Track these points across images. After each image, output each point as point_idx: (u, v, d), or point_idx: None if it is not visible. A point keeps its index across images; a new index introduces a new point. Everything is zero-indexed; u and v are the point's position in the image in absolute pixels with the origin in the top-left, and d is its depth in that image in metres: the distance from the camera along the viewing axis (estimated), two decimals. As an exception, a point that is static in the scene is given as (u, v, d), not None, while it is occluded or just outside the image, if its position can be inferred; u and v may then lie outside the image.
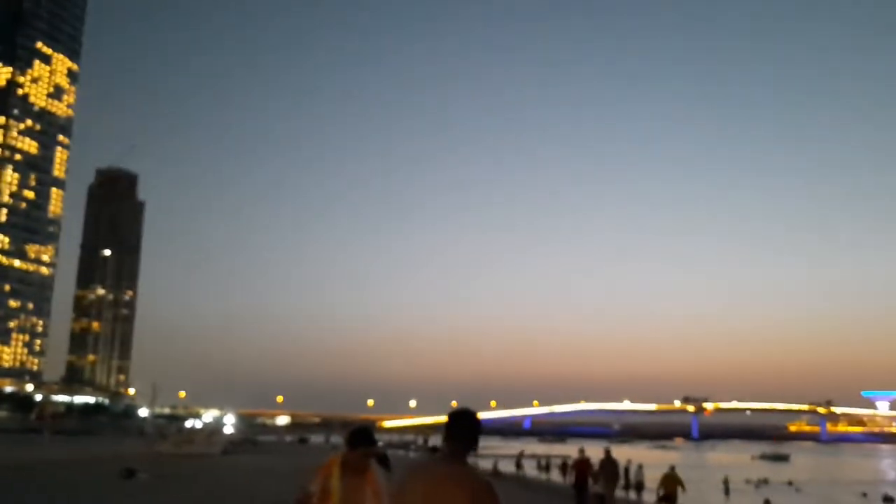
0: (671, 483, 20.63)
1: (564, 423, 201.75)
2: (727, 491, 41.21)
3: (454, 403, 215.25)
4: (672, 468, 21.86)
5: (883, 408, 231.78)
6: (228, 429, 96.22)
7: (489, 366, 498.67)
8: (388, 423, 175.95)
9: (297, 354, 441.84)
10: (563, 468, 41.26)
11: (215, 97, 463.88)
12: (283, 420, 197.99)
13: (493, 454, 62.49)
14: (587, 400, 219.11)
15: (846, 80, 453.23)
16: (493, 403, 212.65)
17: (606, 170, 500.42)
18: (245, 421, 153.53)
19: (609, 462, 20.11)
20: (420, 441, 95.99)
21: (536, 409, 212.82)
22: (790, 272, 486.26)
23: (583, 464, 21.18)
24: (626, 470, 32.08)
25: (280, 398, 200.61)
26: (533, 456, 62.61)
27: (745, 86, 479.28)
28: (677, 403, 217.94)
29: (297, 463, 37.65)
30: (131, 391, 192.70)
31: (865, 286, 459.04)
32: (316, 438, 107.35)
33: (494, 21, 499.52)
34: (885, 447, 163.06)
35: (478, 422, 3.75)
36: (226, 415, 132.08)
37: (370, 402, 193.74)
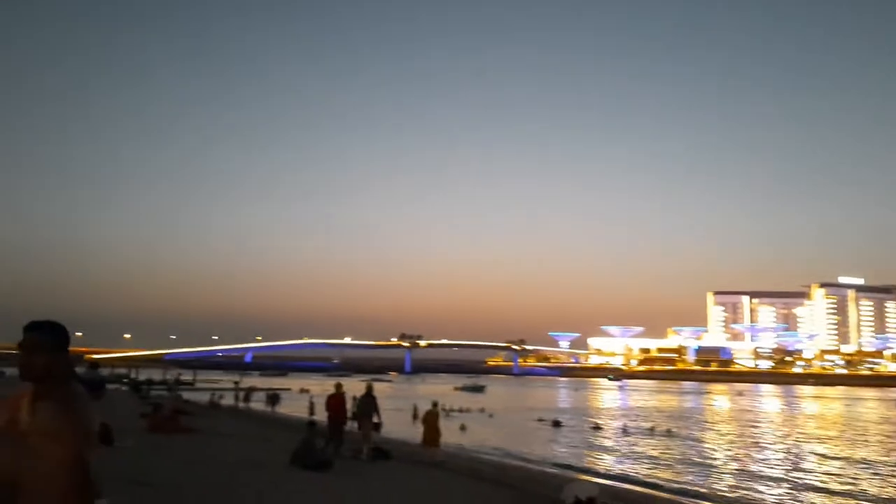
0: (433, 421, 20.18)
1: (286, 358, 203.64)
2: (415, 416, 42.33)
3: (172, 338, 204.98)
4: (434, 404, 21.31)
5: (564, 346, 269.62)
6: None
7: (213, 301, 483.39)
8: (99, 356, 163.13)
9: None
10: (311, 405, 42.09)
11: None
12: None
13: (212, 388, 62.23)
14: (310, 336, 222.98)
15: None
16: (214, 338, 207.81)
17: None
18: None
19: (368, 398, 19.12)
20: (132, 374, 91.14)
21: (259, 344, 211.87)
22: (493, 225, 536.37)
23: (337, 400, 19.17)
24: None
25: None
26: (255, 389, 63.49)
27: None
28: (394, 340, 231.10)
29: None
30: None
31: (543, 239, 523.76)
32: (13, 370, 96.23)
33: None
34: (563, 379, 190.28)
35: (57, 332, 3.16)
36: None
37: (79, 333, 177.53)
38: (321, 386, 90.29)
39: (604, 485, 21.42)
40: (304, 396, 60.14)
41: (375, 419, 19.23)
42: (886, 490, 25.50)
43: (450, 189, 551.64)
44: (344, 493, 12.94)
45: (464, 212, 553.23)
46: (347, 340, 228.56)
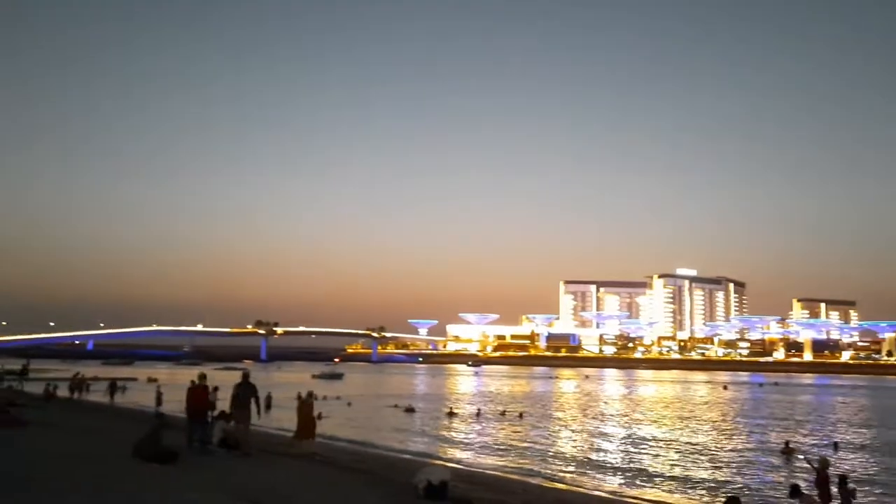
0: (308, 411, 19.33)
1: (132, 346, 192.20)
2: (269, 406, 41.42)
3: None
4: (309, 394, 20.27)
5: (423, 333, 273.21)
6: None
7: (49, 285, 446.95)
8: None
9: None
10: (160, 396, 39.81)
11: None
12: None
13: (46, 377, 57.56)
14: (160, 323, 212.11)
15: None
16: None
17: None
18: None
19: (246, 386, 17.61)
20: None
21: (101, 331, 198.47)
22: (354, 214, 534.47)
23: (199, 391, 17.64)
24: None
25: None
26: (96, 379, 59.57)
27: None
28: (249, 327, 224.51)
29: None
30: None
31: (403, 228, 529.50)
32: None
33: None
34: (422, 366, 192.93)
35: None
36: None
37: None
38: (171, 375, 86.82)
39: (456, 469, 22.01)
40: (152, 386, 57.23)
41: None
42: (708, 460, 28.03)
43: (310, 176, 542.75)
44: (189, 485, 12.42)
45: (325, 199, 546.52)
46: (199, 328, 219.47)
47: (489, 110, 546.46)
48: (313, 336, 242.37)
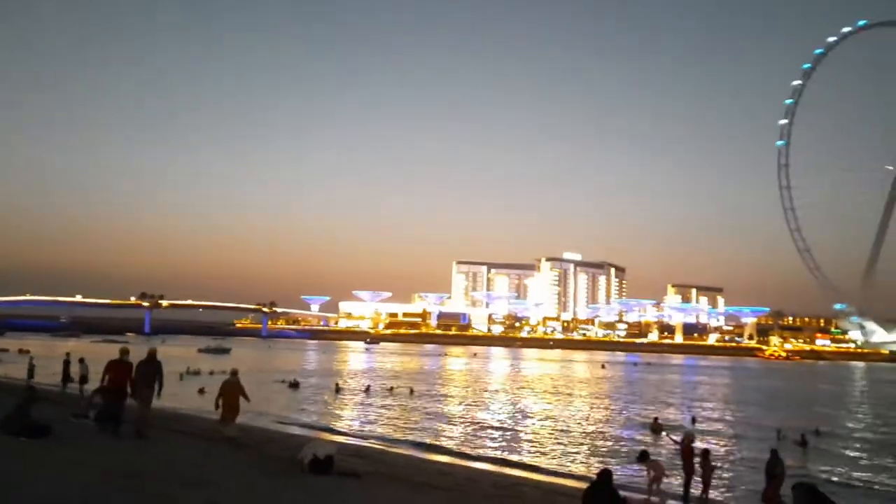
0: (233, 392, 17.64)
1: (2, 315, 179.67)
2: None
3: None
4: (234, 373, 18.46)
5: (315, 309, 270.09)
6: None
7: None
8: None
9: None
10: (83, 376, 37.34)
11: None
12: None
13: None
14: (34, 293, 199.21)
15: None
16: None
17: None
18: None
19: (151, 364, 16.16)
20: None
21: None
22: (247, 187, 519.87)
23: (122, 367, 15.98)
24: (67, 363, 31.52)
25: None
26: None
27: None
28: (133, 299, 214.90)
29: None
30: None
31: (297, 203, 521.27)
32: None
33: None
34: (313, 342, 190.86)
35: None
36: None
37: None
38: (46, 347, 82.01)
39: (343, 443, 22.32)
40: (24, 358, 54.05)
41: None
42: (584, 435, 29.70)
43: (200, 145, 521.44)
44: (59, 461, 12.07)
45: (216, 170, 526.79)
46: (78, 298, 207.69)
47: (389, 92, 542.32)
48: (201, 310, 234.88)
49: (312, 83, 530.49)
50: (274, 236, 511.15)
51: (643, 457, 17.37)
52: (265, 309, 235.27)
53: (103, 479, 10.66)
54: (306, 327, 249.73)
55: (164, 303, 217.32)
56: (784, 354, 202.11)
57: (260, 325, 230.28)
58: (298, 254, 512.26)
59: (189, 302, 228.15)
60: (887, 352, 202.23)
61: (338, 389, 47.41)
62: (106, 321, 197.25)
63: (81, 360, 29.82)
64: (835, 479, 21.58)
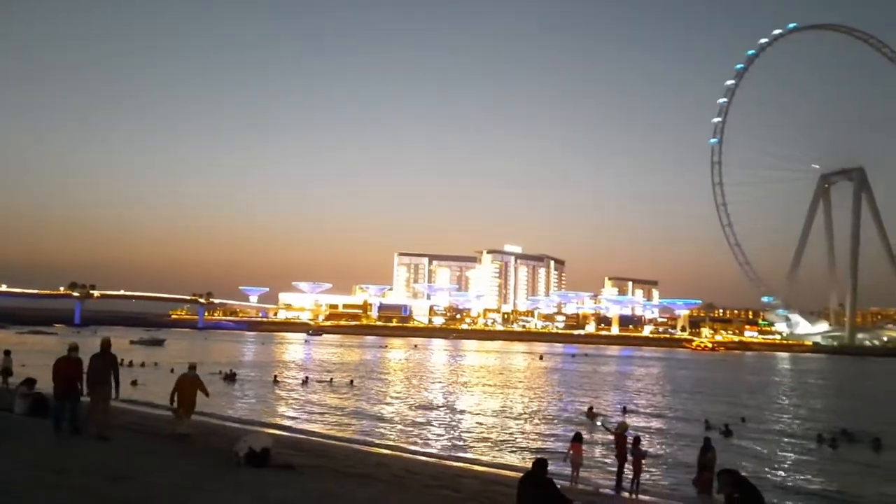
0: (190, 387, 16.88)
1: None
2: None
3: None
4: (192, 367, 17.69)
5: (254, 301, 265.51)
6: None
7: None
8: None
9: None
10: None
11: None
12: None
13: None
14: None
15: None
16: None
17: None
18: None
19: (105, 358, 14.98)
20: None
21: None
22: (184, 177, 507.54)
23: (72, 365, 14.80)
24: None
25: None
26: None
27: None
28: (63, 289, 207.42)
29: None
30: None
31: (235, 195, 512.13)
32: None
33: None
34: (251, 334, 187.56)
35: None
36: None
37: None
38: None
39: (280, 436, 22.08)
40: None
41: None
42: (521, 425, 30.15)
43: (135, 134, 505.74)
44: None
45: (152, 159, 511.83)
46: (4, 288, 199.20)
47: (331, 83, 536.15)
48: (134, 301, 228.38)
49: (254, 73, 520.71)
50: (212, 226, 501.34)
51: (576, 438, 18.00)
52: (201, 300, 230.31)
53: (31, 474, 10.33)
54: (244, 319, 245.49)
55: (96, 293, 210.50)
56: (710, 346, 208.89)
57: (196, 317, 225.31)
58: (237, 244, 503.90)
59: (122, 292, 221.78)
60: (810, 343, 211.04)
61: (275, 381, 46.85)
62: (33, 312, 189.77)
63: (7, 353, 28.62)
64: (754, 466, 22.47)
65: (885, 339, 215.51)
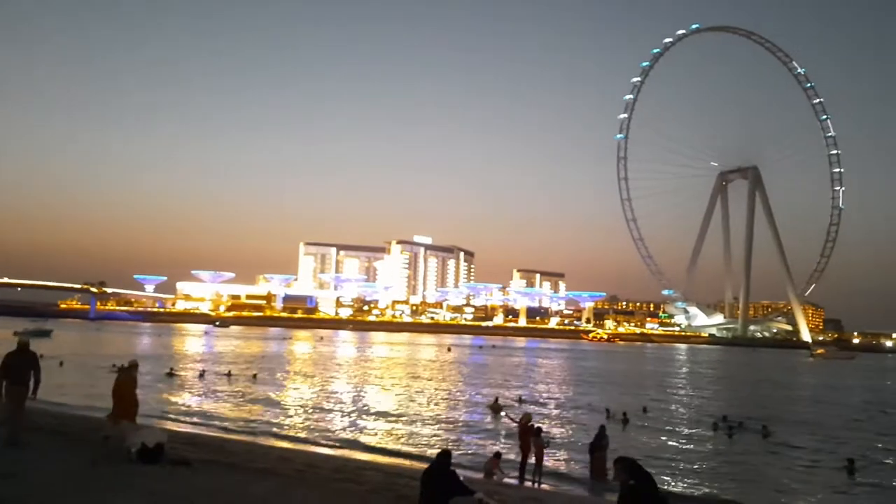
0: (127, 390, 15.82)
1: None
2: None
3: None
4: (133, 366, 16.75)
5: (150, 290, 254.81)
6: None
7: None
8: None
9: None
10: None
11: None
12: None
13: None
14: None
15: None
16: None
17: None
18: None
19: (23, 355, 14.24)
20: None
21: None
22: (77, 160, 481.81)
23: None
24: None
25: None
26: None
27: None
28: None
29: None
30: None
31: (130, 178, 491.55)
32: None
33: None
34: (147, 325, 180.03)
35: None
36: None
37: None
38: None
39: (175, 431, 21.21)
40: None
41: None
42: (426, 417, 30.21)
43: (26, 114, 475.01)
44: None
45: (43, 141, 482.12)
46: None
47: (237, 68, 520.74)
48: (19, 289, 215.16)
49: (156, 57, 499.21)
50: (105, 212, 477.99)
51: (496, 455, 18.24)
52: (93, 289, 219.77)
53: None
54: (140, 309, 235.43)
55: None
56: (606, 337, 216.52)
57: (88, 307, 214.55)
58: (132, 230, 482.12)
59: (6, 280, 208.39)
60: (707, 335, 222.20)
61: (171, 374, 45.14)
62: None
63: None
64: (651, 454, 23.35)
65: (775, 330, 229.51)
